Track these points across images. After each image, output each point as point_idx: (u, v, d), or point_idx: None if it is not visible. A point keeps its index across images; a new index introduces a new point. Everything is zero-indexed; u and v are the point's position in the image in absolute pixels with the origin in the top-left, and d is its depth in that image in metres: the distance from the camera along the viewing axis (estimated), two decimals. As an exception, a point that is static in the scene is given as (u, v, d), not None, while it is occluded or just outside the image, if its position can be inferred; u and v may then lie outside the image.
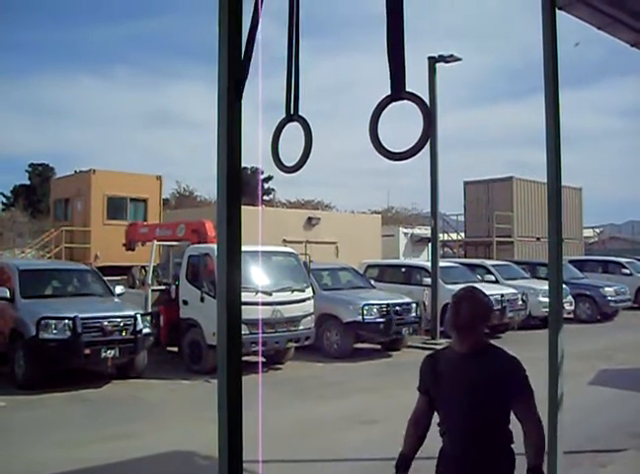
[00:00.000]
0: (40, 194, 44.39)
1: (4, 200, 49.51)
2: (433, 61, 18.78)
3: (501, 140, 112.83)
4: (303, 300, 14.02)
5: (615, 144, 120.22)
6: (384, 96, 2.70)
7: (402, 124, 2.80)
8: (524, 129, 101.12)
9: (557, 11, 5.11)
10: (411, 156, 2.61)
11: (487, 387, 3.25)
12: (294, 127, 3.29)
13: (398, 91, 2.64)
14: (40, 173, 48.60)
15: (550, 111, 5.00)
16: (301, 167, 3.20)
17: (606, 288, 23.54)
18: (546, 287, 5.48)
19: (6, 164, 74.21)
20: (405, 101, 2.65)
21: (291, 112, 3.24)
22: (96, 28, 76.46)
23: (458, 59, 18.99)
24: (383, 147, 2.71)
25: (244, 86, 3.09)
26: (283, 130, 3.30)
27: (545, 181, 5.07)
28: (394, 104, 2.73)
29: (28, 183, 49.38)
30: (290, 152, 3.25)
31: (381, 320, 15.31)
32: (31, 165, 49.96)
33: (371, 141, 2.75)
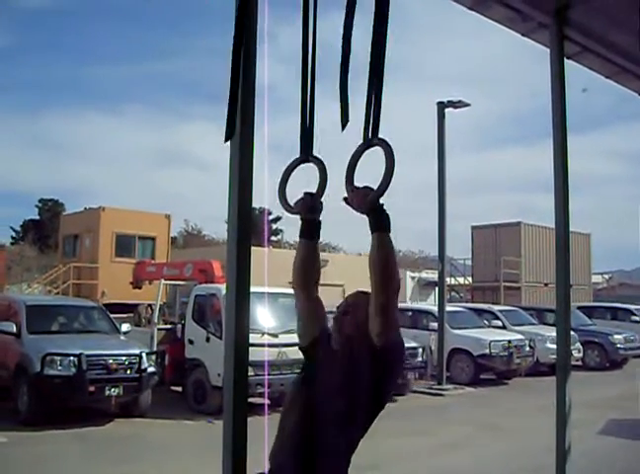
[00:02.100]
0: (49, 229, 44.45)
1: (13, 235, 49.68)
2: (442, 106, 18.97)
3: (509, 185, 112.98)
4: (309, 342, 13.95)
5: (625, 190, 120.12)
6: (359, 144, 2.73)
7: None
8: (533, 174, 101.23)
9: (565, 60, 5.16)
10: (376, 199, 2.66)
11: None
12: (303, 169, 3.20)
13: (373, 137, 2.67)
14: (50, 208, 48.75)
15: (558, 156, 5.01)
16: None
17: (616, 336, 23.25)
18: (554, 334, 5.43)
19: (16, 199, 74.78)
20: (376, 147, 2.68)
21: (306, 152, 3.15)
22: (106, 66, 77.36)
23: (467, 105, 19.18)
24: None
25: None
26: (295, 171, 3.21)
27: (553, 226, 5.05)
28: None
29: (37, 218, 49.54)
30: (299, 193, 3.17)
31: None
32: (40, 200, 50.17)
33: (347, 190, 2.77)
